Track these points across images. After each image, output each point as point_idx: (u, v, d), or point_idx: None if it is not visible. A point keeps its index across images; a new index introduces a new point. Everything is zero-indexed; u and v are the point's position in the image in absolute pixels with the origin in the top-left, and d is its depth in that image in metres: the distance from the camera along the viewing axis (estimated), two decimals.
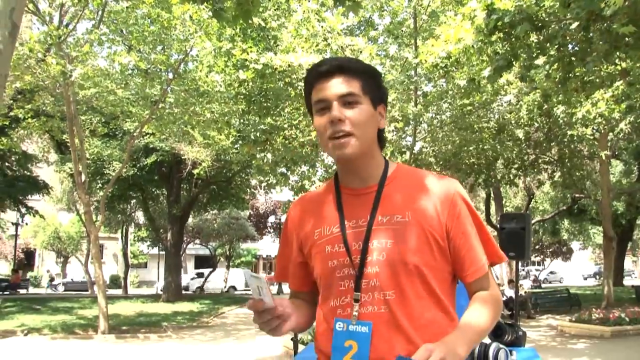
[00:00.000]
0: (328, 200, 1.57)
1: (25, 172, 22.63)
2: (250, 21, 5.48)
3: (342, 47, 13.60)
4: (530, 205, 29.39)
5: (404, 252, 1.41)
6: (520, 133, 13.74)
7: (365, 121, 1.46)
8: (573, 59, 8.01)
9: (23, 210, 24.04)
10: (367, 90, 1.48)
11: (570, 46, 8.03)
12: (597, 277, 49.91)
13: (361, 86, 1.46)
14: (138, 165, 21.89)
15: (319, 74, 1.48)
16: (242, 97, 13.22)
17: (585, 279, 54.82)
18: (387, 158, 1.60)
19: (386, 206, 1.48)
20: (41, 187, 22.79)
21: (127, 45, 12.73)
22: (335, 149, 1.44)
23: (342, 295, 1.46)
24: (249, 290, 1.66)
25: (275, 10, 12.24)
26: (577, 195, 22.29)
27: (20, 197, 23.08)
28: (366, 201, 1.49)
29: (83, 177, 12.18)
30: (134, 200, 28.78)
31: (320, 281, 1.53)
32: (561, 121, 12.91)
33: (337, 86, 1.44)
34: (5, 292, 29.69)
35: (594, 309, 14.55)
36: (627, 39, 7.28)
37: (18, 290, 31.56)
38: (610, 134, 16.09)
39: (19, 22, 3.68)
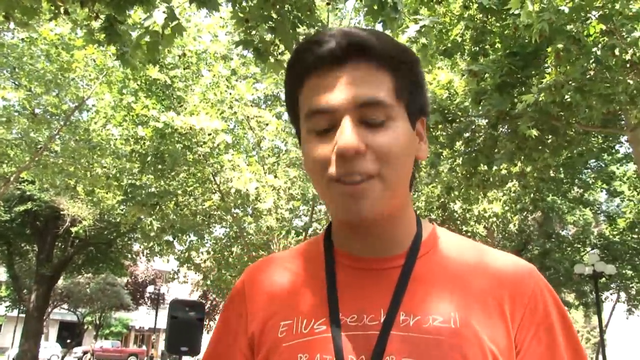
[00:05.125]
0: (310, 273, 0.90)
1: None
2: (157, 57, 5.04)
3: (248, 117, 13.42)
4: None
5: None
6: None
7: (402, 151, 0.79)
8: (478, 155, 8.21)
9: None
10: (405, 93, 0.81)
11: (477, 142, 8.26)
12: None
13: (395, 86, 0.79)
14: (10, 215, 19.93)
15: (316, 58, 0.78)
16: (137, 155, 12.45)
17: None
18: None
19: (416, 297, 0.82)
20: None
21: (16, 82, 11.70)
22: (345, 201, 0.78)
23: None
24: None
25: (184, 69, 11.85)
26: None
27: None
28: (381, 283, 0.84)
29: None
30: None
31: None
32: (457, 216, 13.24)
33: (352, 85, 0.76)
34: None
35: None
36: (530, 141, 7.58)
37: None
38: (495, 232, 16.82)
39: None
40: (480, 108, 7.33)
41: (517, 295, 0.83)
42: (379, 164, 0.77)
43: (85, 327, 36.42)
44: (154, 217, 13.14)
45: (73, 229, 18.56)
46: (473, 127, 8.26)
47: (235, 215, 13.94)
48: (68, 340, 37.01)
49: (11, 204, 19.82)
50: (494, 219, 11.36)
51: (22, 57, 10.82)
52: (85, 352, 36.96)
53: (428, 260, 0.86)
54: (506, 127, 7.58)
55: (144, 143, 12.25)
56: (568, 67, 5.91)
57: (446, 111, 7.79)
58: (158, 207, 12.98)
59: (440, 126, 8.26)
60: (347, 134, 0.75)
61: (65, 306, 33.96)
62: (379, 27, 3.97)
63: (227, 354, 0.92)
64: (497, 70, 7.05)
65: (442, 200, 12.81)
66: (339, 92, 0.77)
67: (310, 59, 0.79)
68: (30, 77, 11.01)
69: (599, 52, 5.47)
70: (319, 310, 0.84)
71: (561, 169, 12.72)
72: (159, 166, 12.56)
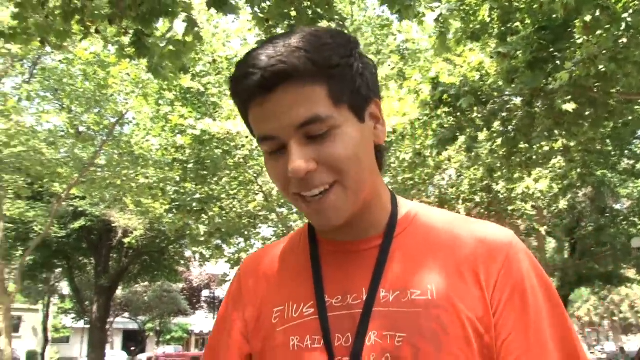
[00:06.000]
0: (297, 260, 0.96)
1: None
2: (185, 65, 5.16)
3: None
4: None
5: (426, 356, 0.80)
6: (461, 209, 13.75)
7: (354, 153, 0.82)
8: (516, 134, 8.06)
9: None
10: (343, 92, 0.81)
11: (514, 122, 8.10)
12: None
13: (330, 93, 0.80)
14: (66, 230, 20.67)
15: (249, 90, 0.80)
16: (178, 163, 12.76)
17: None
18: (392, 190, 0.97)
19: (395, 274, 0.86)
20: None
21: (60, 104, 12.16)
22: (311, 214, 0.85)
23: None
24: None
25: (216, 75, 12.04)
26: None
27: None
28: (361, 264, 0.89)
29: None
30: (59, 270, 27.01)
31: None
32: (501, 196, 13.03)
33: (287, 110, 0.78)
34: None
35: None
36: (568, 114, 7.38)
37: None
38: (545, 210, 16.41)
39: None
40: (513, 87, 7.19)
41: (491, 261, 0.85)
42: (334, 173, 0.81)
43: (147, 334, 37.44)
44: (200, 222, 13.43)
45: (125, 240, 19.13)
46: (509, 106, 8.10)
47: (280, 214, 14.10)
48: (132, 348, 38.18)
49: (66, 221, 20.52)
50: (540, 196, 11.13)
51: (62, 79, 11.23)
52: (149, 359, 38.07)
53: (405, 237, 0.90)
54: (542, 103, 7.40)
55: (184, 151, 12.55)
56: (600, 37, 5.73)
57: (479, 93, 7.66)
58: (203, 212, 13.27)
59: (475, 108, 8.14)
60: (294, 159, 0.79)
61: (127, 315, 34.99)
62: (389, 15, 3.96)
63: (227, 340, 0.98)
64: (527, 47, 6.90)
65: (486, 182, 12.61)
66: (276, 119, 0.79)
67: (244, 92, 0.82)
68: (72, 97, 11.42)
69: (629, 19, 5.29)
70: (307, 295, 0.90)
71: (608, 141, 12.30)
72: (201, 172, 12.84)
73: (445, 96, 7.76)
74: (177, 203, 12.74)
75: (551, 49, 6.93)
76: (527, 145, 8.30)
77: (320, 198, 0.82)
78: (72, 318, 36.53)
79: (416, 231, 0.91)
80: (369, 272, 0.87)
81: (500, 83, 7.59)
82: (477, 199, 13.76)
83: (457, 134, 8.00)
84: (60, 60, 10.91)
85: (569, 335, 0.86)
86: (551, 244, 29.46)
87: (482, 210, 14.05)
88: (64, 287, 32.77)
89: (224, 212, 13.65)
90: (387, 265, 0.87)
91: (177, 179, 13.13)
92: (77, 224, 20.17)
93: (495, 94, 8.00)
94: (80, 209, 19.50)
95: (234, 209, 13.85)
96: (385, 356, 0.81)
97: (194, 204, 12.73)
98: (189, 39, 4.69)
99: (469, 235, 0.89)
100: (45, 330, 31.64)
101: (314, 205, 0.83)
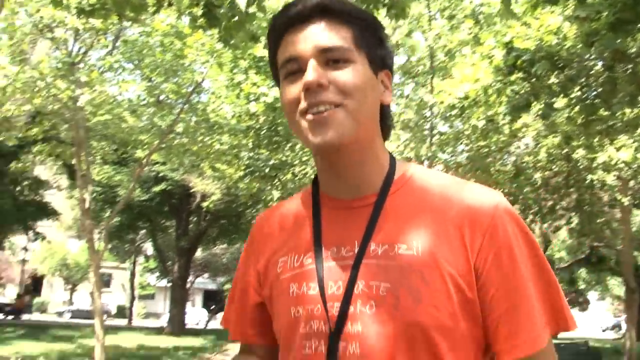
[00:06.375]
0: (302, 216, 1.05)
1: (36, 197, 22.57)
2: (255, 34, 5.25)
3: None
4: (546, 253, 28.55)
5: (405, 305, 0.88)
6: (538, 178, 13.27)
7: (362, 86, 0.93)
8: (597, 101, 7.65)
9: (31, 235, 23.96)
10: (364, 44, 0.95)
11: (594, 87, 7.68)
12: (617, 329, 48.29)
13: (354, 37, 0.94)
14: (149, 194, 21.75)
15: (288, 19, 0.95)
16: (252, 130, 13.03)
17: (604, 330, 53.07)
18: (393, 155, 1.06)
19: (386, 229, 0.94)
20: (50, 213, 22.69)
21: (140, 74, 12.68)
22: (312, 129, 0.92)
23: None
24: None
25: None
26: (595, 243, 21.56)
27: (30, 222, 23.01)
28: (357, 220, 0.96)
29: (87, 204, 11.91)
30: (144, 231, 28.57)
31: (279, 338, 1.02)
32: (581, 166, 12.44)
33: (315, 35, 0.93)
34: (8, 317, 29.38)
35: None
36: None
37: (21, 315, 31.18)
38: (632, 181, 15.53)
39: None
40: (592, 50, 6.80)
41: (477, 222, 0.92)
42: (341, 96, 0.91)
43: (225, 294, 38.99)
44: (274, 187, 13.73)
45: (203, 204, 19.89)
46: (591, 71, 7.68)
47: None
48: (212, 307, 40.02)
49: (149, 185, 21.55)
50: (623, 165, 10.53)
51: (142, 50, 11.70)
52: None
53: (398, 196, 0.98)
54: (624, 67, 6.96)
55: (258, 118, 12.78)
56: None
57: (555, 58, 7.31)
58: (277, 178, 13.56)
59: (553, 73, 7.77)
60: (310, 71, 0.91)
61: (206, 275, 36.58)
62: None
63: (244, 290, 1.11)
64: (610, 7, 6.48)
65: (565, 151, 12.07)
66: (304, 42, 0.93)
67: (282, 21, 0.96)
68: (151, 68, 11.89)
69: None
70: (307, 246, 1.00)
71: None
72: (274, 139, 13.08)
73: (519, 61, 7.47)
74: (251, 169, 13.07)
75: (638, 8, 6.49)
76: (608, 113, 7.88)
77: (324, 113, 0.91)
78: (157, 277, 38.68)
79: (410, 191, 0.99)
80: (363, 227, 0.96)
81: (579, 47, 7.20)
82: (555, 167, 13.24)
83: (532, 101, 7.71)
84: (139, 33, 11.34)
85: (554, 292, 0.92)
86: (638, 217, 27.95)
87: (560, 180, 13.53)
88: (149, 248, 34.61)
89: (296, 177, 13.87)
90: (379, 221, 0.95)
91: (251, 145, 13.43)
92: (158, 188, 21.16)
93: (575, 58, 7.61)
94: (161, 174, 20.42)
95: (307, 175, 14.03)
96: (370, 303, 0.90)
97: (267, 170, 13.02)
98: (253, 9, 4.79)
99: (459, 198, 0.95)
100: (132, 287, 33.74)
101: (316, 119, 0.91)
